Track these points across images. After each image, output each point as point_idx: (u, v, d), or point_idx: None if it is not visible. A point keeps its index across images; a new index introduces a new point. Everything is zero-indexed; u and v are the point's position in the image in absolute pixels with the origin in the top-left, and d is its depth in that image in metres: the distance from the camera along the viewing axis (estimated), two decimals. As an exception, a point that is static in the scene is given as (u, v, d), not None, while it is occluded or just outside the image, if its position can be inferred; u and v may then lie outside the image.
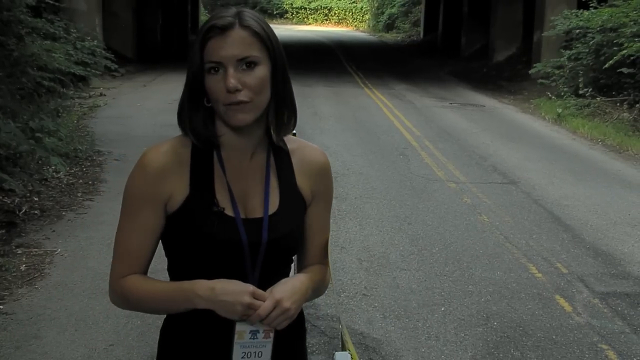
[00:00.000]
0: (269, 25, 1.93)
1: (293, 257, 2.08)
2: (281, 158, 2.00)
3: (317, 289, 2.05)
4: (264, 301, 1.82)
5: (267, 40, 1.88)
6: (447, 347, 5.00)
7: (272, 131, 1.94)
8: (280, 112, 1.94)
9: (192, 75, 1.86)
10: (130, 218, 1.93)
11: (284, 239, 1.95)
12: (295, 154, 2.02)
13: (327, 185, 2.07)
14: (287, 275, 2.02)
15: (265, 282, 1.91)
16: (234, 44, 1.83)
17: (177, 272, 1.97)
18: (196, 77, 1.85)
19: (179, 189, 1.90)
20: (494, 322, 5.41)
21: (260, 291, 1.84)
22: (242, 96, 1.83)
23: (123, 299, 1.94)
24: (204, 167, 1.92)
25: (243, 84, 1.83)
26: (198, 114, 1.89)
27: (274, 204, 1.95)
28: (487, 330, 5.28)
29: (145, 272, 1.96)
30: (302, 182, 2.01)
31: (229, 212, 1.90)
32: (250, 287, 1.83)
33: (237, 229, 1.89)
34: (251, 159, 1.96)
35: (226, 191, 1.92)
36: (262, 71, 1.86)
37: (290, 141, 2.03)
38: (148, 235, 1.92)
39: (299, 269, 2.08)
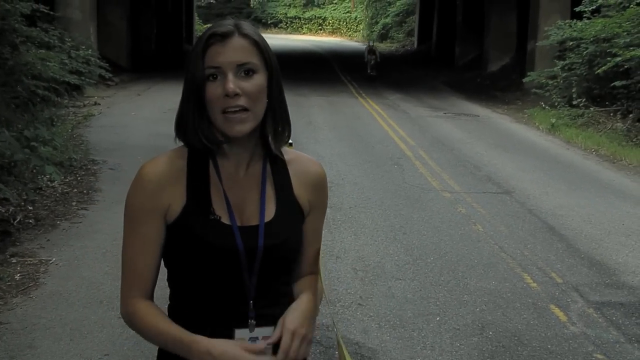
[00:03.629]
0: (264, 38, 1.98)
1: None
2: (278, 167, 2.03)
3: (318, 304, 2.10)
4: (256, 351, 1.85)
5: (264, 49, 1.93)
6: (443, 356, 4.99)
7: (270, 141, 1.97)
8: (277, 122, 1.97)
9: (195, 82, 1.89)
10: (133, 233, 1.96)
11: (281, 246, 1.96)
12: (292, 164, 2.05)
13: (323, 196, 2.11)
14: (288, 284, 2.06)
15: (263, 289, 1.95)
16: (234, 51, 1.88)
17: (176, 282, 1.99)
18: (199, 84, 1.88)
19: (176, 199, 1.93)
20: (489, 332, 5.41)
21: (252, 345, 1.87)
22: (241, 101, 1.86)
23: (130, 323, 1.98)
24: (200, 176, 1.96)
25: (242, 90, 1.86)
26: (203, 121, 1.91)
27: (270, 212, 1.98)
28: (483, 339, 5.28)
29: (152, 290, 2.00)
30: (300, 192, 2.04)
31: (225, 220, 1.93)
32: (243, 347, 1.86)
33: (234, 236, 1.92)
34: (247, 168, 1.99)
35: (222, 200, 1.95)
36: (260, 79, 1.90)
37: (287, 152, 2.06)
38: (152, 249, 1.95)
39: (292, 278, 2.10)
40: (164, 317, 1.95)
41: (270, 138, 1.97)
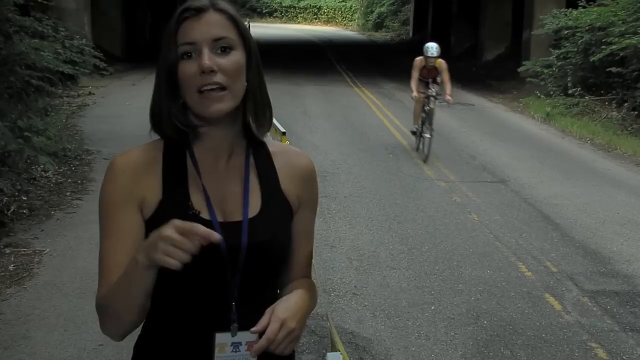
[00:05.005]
0: (240, 16, 1.86)
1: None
2: (262, 159, 1.88)
3: (312, 305, 1.90)
4: (191, 229, 1.58)
5: (242, 26, 1.80)
6: (437, 345, 4.99)
7: (251, 126, 1.83)
8: (257, 105, 1.84)
9: (167, 62, 1.75)
10: (107, 226, 1.80)
11: (267, 243, 1.80)
12: (278, 156, 1.90)
13: (313, 191, 1.95)
14: (274, 287, 1.91)
15: (248, 290, 1.80)
16: (209, 25, 1.74)
17: (156, 282, 1.78)
18: (172, 63, 1.74)
19: (151, 193, 1.79)
20: (483, 321, 5.42)
21: (186, 223, 1.58)
22: (218, 78, 1.72)
23: (100, 310, 1.80)
24: (176, 169, 1.81)
25: (218, 67, 1.72)
26: (177, 104, 1.77)
27: (254, 207, 1.82)
28: (477, 328, 5.29)
29: None
30: (288, 186, 1.88)
31: (204, 215, 1.77)
32: (176, 222, 1.59)
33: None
34: (228, 159, 1.84)
35: (202, 193, 1.79)
36: (237, 56, 1.76)
37: (272, 144, 1.93)
38: (127, 241, 1.77)
39: (282, 283, 1.94)
40: None
41: (251, 122, 1.82)
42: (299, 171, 1.92)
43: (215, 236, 1.59)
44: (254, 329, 1.69)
